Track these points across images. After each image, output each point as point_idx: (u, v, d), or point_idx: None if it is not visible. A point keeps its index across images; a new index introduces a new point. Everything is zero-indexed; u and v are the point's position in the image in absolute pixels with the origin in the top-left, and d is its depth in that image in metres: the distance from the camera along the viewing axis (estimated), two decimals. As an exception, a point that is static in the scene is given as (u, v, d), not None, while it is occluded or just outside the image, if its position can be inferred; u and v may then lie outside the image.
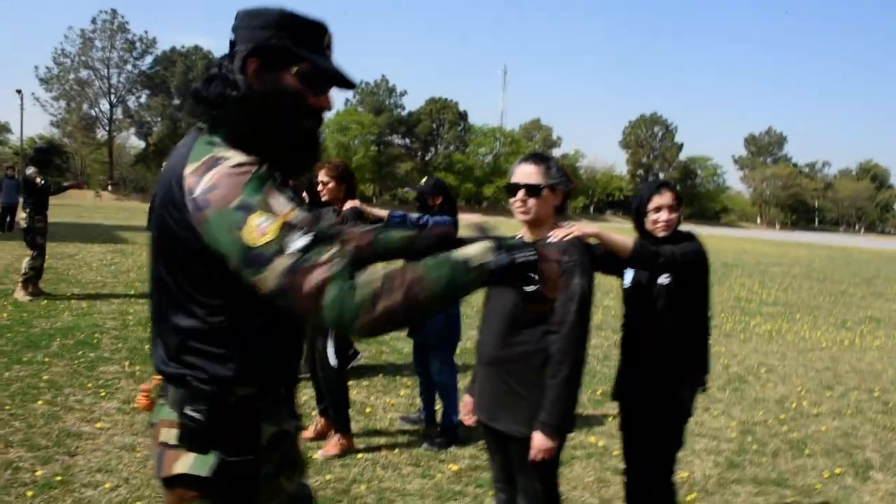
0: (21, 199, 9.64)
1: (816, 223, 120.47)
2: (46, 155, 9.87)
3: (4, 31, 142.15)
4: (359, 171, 77.11)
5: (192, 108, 1.64)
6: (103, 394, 5.57)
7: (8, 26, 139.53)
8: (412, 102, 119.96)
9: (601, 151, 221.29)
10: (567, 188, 2.81)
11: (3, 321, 7.91)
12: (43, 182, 9.46)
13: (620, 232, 3.29)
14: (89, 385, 5.77)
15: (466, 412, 3.03)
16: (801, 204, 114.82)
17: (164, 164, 1.98)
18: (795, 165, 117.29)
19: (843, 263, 28.84)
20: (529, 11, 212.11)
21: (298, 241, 1.40)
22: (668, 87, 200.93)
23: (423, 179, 5.39)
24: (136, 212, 37.72)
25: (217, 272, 1.49)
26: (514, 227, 2.91)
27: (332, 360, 4.66)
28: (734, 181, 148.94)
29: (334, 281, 1.37)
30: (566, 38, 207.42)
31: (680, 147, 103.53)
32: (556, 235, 2.70)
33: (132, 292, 10.42)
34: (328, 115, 1.75)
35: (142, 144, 73.33)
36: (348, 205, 4.60)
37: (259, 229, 1.40)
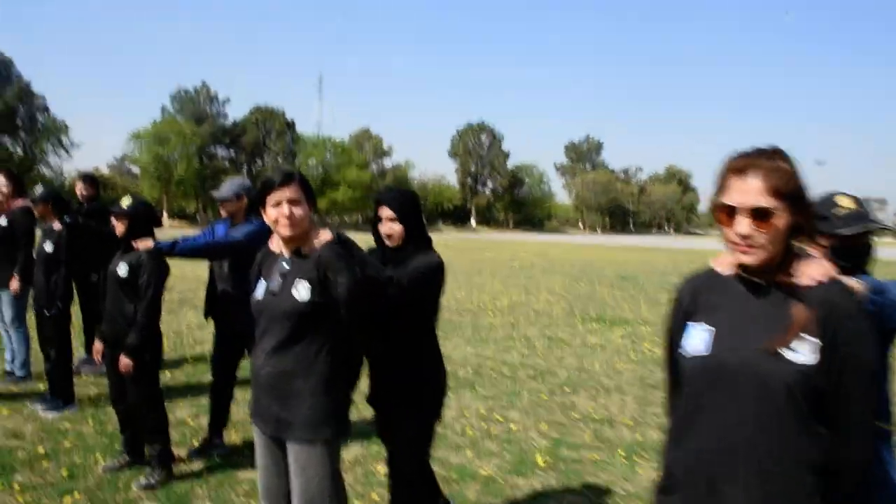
0: None
1: (632, 226, 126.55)
2: None
3: None
4: (181, 186, 71.01)
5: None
6: None
7: None
8: (236, 111, 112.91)
9: (431, 161, 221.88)
10: None
11: None
12: None
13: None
14: None
15: None
16: (619, 208, 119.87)
17: None
18: (612, 171, 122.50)
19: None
20: (346, 18, 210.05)
21: None
22: (491, 95, 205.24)
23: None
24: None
25: None
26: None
27: None
28: (556, 187, 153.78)
29: None
30: (385, 46, 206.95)
31: (507, 155, 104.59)
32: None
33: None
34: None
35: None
36: None
37: None
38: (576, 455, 5.16)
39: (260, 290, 2.88)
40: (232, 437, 5.25)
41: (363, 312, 2.80)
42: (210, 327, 5.25)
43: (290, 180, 2.79)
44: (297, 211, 2.75)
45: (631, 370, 8.06)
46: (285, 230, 2.76)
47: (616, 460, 5.08)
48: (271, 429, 2.80)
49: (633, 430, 5.79)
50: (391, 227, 3.14)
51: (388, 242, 3.16)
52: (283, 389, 2.74)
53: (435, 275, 3.14)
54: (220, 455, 4.91)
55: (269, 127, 79.32)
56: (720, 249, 1.83)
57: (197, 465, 4.72)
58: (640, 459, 5.10)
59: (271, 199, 2.76)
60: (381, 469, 4.64)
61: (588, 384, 7.33)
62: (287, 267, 2.82)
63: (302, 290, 2.73)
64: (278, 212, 2.74)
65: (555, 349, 9.22)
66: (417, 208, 3.27)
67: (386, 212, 3.15)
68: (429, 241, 3.27)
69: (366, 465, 4.79)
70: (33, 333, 6.31)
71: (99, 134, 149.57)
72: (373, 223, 3.24)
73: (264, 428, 2.83)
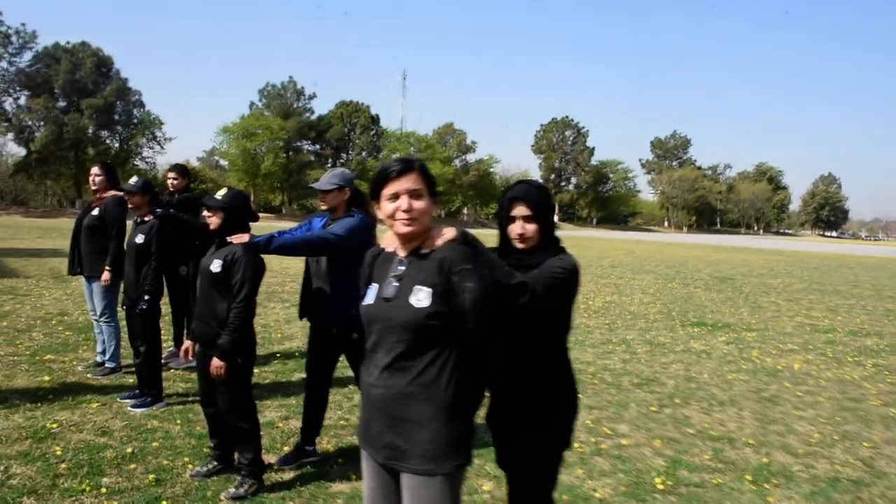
0: None
1: (719, 225, 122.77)
2: None
3: None
4: (267, 179, 72.39)
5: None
6: None
7: None
8: (321, 106, 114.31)
9: (514, 156, 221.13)
10: None
11: None
12: None
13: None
14: None
15: None
16: (706, 206, 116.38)
17: None
18: (699, 168, 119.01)
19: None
20: (429, 13, 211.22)
21: None
22: (576, 90, 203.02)
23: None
24: (19, 229, 32.36)
25: None
26: None
27: None
28: (641, 184, 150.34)
29: None
30: (469, 41, 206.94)
31: (592, 151, 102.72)
32: None
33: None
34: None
35: (22, 151, 65.90)
36: None
37: None
38: (697, 478, 4.65)
39: (371, 295, 2.49)
40: (324, 444, 4.94)
41: (492, 323, 2.40)
42: (299, 321, 4.95)
43: (410, 169, 2.38)
44: (418, 204, 2.36)
45: (743, 381, 7.44)
46: (404, 226, 2.36)
47: (743, 486, 4.54)
48: (383, 456, 2.42)
49: (757, 451, 5.23)
50: (525, 227, 2.69)
51: (519, 245, 2.71)
52: (399, 413, 2.35)
53: (571, 279, 2.71)
54: (312, 464, 4.61)
55: (354, 122, 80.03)
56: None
57: (288, 475, 4.42)
58: (770, 487, 4.56)
59: (387, 190, 2.37)
60: (487, 486, 4.27)
61: (699, 395, 6.76)
62: (404, 269, 2.43)
63: (422, 297, 2.33)
64: (396, 206, 2.36)
65: (658, 355, 8.64)
66: (552, 204, 2.83)
67: (522, 209, 2.69)
68: (559, 241, 2.83)
69: (468, 480, 4.39)
70: (124, 325, 6.17)
71: (190, 128, 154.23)
72: (501, 223, 2.81)
73: (375, 454, 2.45)
